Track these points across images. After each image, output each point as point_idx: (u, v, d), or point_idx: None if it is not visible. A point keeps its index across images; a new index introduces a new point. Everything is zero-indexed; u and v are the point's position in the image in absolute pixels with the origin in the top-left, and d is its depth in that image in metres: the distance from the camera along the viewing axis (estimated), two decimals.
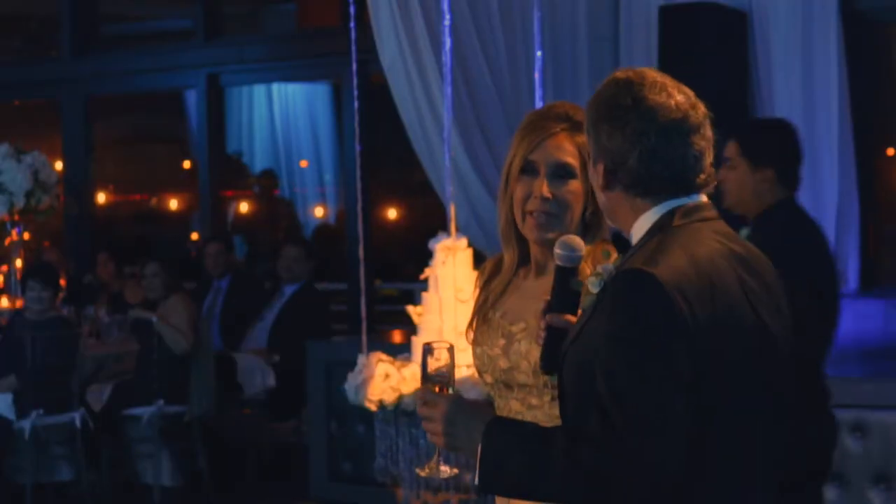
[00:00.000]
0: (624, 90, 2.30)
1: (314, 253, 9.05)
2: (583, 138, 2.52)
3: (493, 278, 2.95)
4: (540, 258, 2.85)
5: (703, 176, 2.31)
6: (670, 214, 2.28)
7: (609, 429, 2.09)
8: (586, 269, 2.56)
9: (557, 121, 2.81)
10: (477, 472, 2.19)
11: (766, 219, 4.16)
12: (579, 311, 2.42)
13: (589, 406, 2.16)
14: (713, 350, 2.16)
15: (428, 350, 2.34)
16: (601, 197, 2.37)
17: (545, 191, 2.77)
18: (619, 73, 2.36)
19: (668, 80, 2.33)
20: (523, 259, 2.91)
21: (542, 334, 2.41)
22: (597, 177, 2.34)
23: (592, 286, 2.31)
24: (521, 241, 2.89)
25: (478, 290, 2.97)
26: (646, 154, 2.26)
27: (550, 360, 2.40)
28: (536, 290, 2.74)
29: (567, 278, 2.45)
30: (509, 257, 2.91)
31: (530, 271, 2.89)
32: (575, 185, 2.78)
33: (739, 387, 2.21)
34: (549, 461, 2.12)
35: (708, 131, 2.32)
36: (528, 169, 2.80)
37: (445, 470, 2.33)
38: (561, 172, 2.78)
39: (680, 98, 2.30)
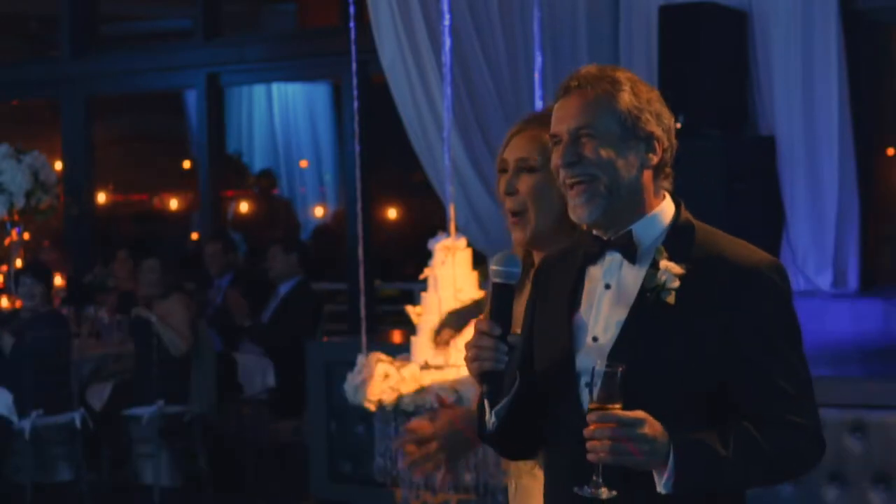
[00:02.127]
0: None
1: (296, 246, 8.99)
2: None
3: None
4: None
5: None
6: (682, 207, 2.41)
7: (804, 411, 2.33)
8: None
9: (531, 119, 2.80)
10: (671, 477, 2.23)
11: None
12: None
13: (705, 390, 2.28)
14: None
15: (610, 372, 2.23)
16: (629, 175, 2.34)
17: (502, 188, 2.75)
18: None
19: None
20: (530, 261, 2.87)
21: (506, 359, 2.30)
22: (639, 154, 2.34)
23: (670, 281, 2.28)
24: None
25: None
26: (674, 141, 2.41)
27: (508, 381, 2.35)
28: None
29: (510, 296, 2.34)
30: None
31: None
32: (532, 179, 2.72)
33: None
34: (749, 454, 2.25)
35: None
36: (502, 168, 2.79)
37: (605, 491, 2.25)
38: (521, 167, 2.74)
39: None
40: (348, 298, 9.89)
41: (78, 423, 7.34)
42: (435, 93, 7.31)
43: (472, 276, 5.40)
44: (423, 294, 5.56)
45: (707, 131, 7.61)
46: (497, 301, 2.34)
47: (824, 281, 7.80)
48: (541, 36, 6.66)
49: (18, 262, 8.14)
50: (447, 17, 5.89)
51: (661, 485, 2.23)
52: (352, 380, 5.41)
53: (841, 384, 5.45)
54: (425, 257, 5.57)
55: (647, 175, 2.36)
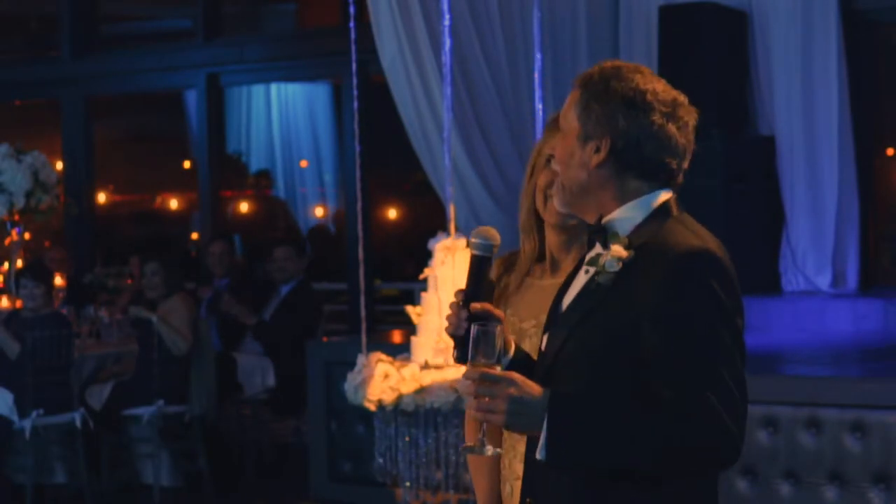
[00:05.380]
0: (641, 77, 2.40)
1: (306, 250, 9.02)
2: None
3: (503, 276, 2.98)
4: (556, 252, 2.92)
5: (682, 174, 2.45)
6: (668, 203, 2.40)
7: (697, 400, 2.21)
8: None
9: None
10: (544, 445, 2.24)
11: None
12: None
13: (619, 374, 2.27)
14: (741, 331, 2.33)
15: (486, 331, 2.31)
16: (581, 174, 2.39)
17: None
18: (623, 63, 2.45)
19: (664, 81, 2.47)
20: (539, 255, 2.96)
21: (465, 325, 2.38)
22: (587, 153, 2.38)
23: (610, 265, 2.32)
24: (541, 235, 2.92)
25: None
26: (664, 142, 2.38)
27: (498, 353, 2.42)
28: (552, 287, 2.72)
29: (483, 267, 2.46)
30: (530, 248, 2.98)
31: (545, 269, 2.96)
32: None
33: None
34: (637, 434, 2.22)
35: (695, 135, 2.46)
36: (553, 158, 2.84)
37: (490, 449, 2.32)
38: None
39: (686, 99, 2.44)
40: (348, 298, 9.89)
41: (78, 423, 7.34)
42: (435, 93, 7.31)
43: None
44: (423, 294, 5.56)
45: (707, 131, 7.61)
46: (470, 271, 2.46)
47: (824, 281, 7.81)
48: (541, 36, 6.65)
49: (19, 262, 8.13)
50: (447, 17, 5.88)
51: (538, 451, 2.25)
52: (352, 380, 5.41)
53: (841, 384, 5.45)
54: (425, 257, 5.57)
55: (601, 172, 2.39)
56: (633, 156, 2.37)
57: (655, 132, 2.36)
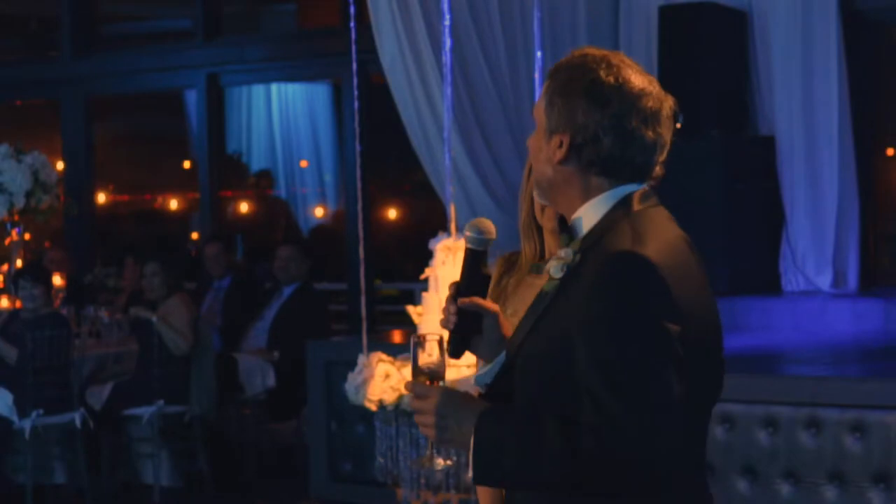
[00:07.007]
0: (605, 68, 2.25)
1: (311, 252, 9.01)
2: None
3: (504, 276, 3.00)
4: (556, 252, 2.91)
5: (659, 167, 2.30)
6: (629, 198, 2.25)
7: (607, 413, 2.05)
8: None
9: None
10: (471, 464, 2.16)
11: None
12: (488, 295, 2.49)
13: (557, 388, 2.15)
14: (688, 334, 2.14)
15: (418, 343, 2.30)
16: (547, 169, 2.28)
17: None
18: (592, 50, 2.30)
19: (639, 67, 2.31)
20: (539, 257, 2.99)
21: (454, 319, 2.36)
22: (551, 148, 2.27)
23: (555, 271, 2.22)
24: (541, 238, 2.94)
25: (489, 289, 3.01)
26: (625, 137, 2.23)
27: (461, 345, 2.40)
28: None
29: (477, 261, 2.42)
30: (530, 250, 2.99)
31: None
32: None
33: (699, 373, 2.19)
34: (546, 451, 2.08)
35: (672, 124, 2.31)
36: None
37: (440, 462, 2.32)
38: None
39: (657, 88, 2.28)
40: (348, 298, 9.89)
41: (78, 423, 7.34)
42: (435, 93, 7.31)
43: None
44: (424, 294, 5.57)
45: (707, 131, 7.62)
46: (464, 264, 2.42)
47: (824, 281, 7.81)
48: (541, 35, 6.66)
49: (19, 263, 8.13)
50: (447, 17, 5.89)
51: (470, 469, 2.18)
52: (353, 379, 5.42)
53: (841, 384, 5.45)
54: (425, 257, 5.57)
55: (565, 168, 2.27)
56: (593, 152, 2.23)
57: (614, 127, 2.21)
